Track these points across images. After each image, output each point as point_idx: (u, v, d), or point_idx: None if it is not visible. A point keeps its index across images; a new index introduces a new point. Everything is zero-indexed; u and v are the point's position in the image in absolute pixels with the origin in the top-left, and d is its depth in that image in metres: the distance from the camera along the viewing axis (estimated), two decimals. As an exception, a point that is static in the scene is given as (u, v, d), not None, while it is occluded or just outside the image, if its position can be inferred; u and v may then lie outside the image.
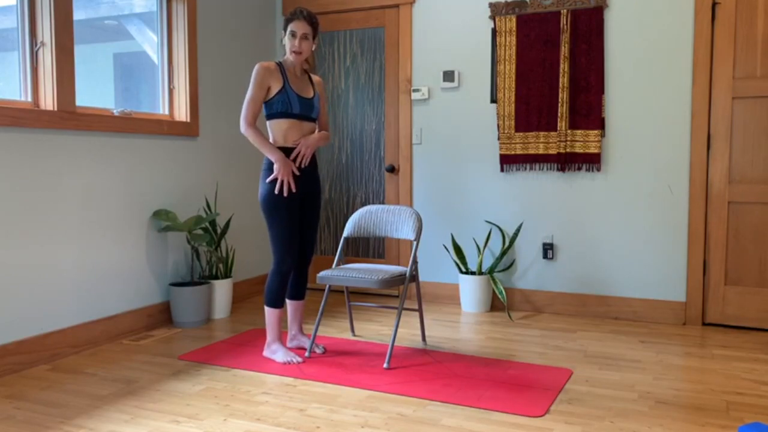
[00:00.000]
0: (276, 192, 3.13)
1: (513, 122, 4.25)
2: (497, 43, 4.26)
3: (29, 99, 3.27)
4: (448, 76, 4.44)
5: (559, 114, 4.10)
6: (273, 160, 3.12)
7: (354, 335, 3.74)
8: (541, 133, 4.19)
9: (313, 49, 3.25)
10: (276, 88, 3.16)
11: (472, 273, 4.34)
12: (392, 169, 4.69)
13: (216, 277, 4.14)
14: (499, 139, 4.30)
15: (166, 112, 4.14)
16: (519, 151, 4.25)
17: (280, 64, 3.21)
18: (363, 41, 4.77)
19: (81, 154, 3.43)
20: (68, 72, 3.33)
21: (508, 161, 4.29)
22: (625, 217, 4.07)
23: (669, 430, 2.41)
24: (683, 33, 3.88)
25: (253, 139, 3.14)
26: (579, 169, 4.14)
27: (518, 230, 4.26)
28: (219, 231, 4.39)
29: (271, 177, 3.13)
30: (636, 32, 3.98)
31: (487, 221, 4.43)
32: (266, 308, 3.25)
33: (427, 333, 3.77)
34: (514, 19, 4.22)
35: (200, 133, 4.28)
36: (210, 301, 4.06)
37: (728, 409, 2.62)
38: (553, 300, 4.27)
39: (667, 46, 3.92)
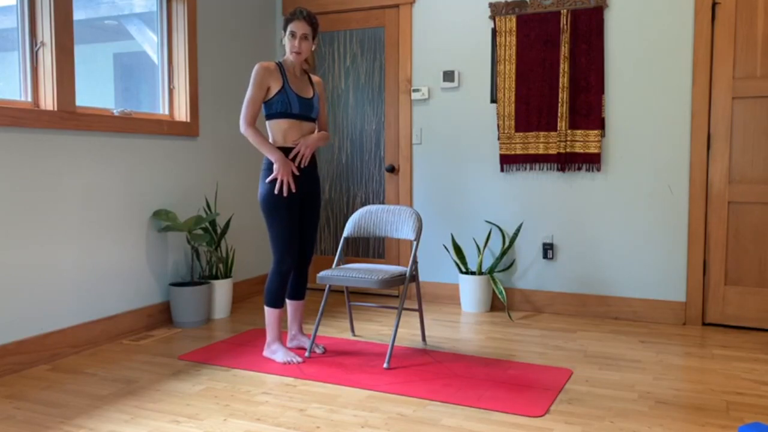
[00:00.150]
0: (276, 192, 3.13)
1: (513, 122, 4.25)
2: (497, 43, 4.26)
3: (29, 99, 3.27)
4: (448, 76, 4.44)
5: (559, 114, 4.10)
6: (273, 160, 3.12)
7: (354, 335, 3.74)
8: (541, 133, 4.19)
9: (312, 49, 3.25)
10: (276, 88, 3.16)
11: (472, 273, 4.34)
12: (392, 169, 4.69)
13: (216, 277, 4.15)
14: (499, 139, 4.30)
15: (166, 112, 4.15)
16: (519, 151, 4.25)
17: (279, 64, 3.21)
18: (363, 41, 4.77)
19: (81, 154, 3.43)
20: (68, 72, 3.33)
21: (508, 161, 4.29)
22: (625, 217, 4.07)
23: (669, 430, 2.41)
24: (683, 33, 3.88)
25: (252, 139, 3.14)
26: (579, 169, 4.14)
27: (518, 230, 4.26)
28: (219, 231, 4.40)
29: (271, 177, 3.13)
30: (636, 32, 3.98)
31: (487, 221, 4.43)
32: (266, 308, 3.25)
33: (427, 333, 3.77)
34: (514, 19, 4.22)
35: (200, 133, 4.29)
36: (210, 301, 4.06)
37: (728, 409, 2.62)
38: (553, 300, 4.27)
39: (667, 46, 3.92)
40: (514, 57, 4.23)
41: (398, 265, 4.70)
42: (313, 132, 3.29)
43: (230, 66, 4.56)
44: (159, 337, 3.71)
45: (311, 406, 2.66)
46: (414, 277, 3.37)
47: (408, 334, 3.76)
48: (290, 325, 3.47)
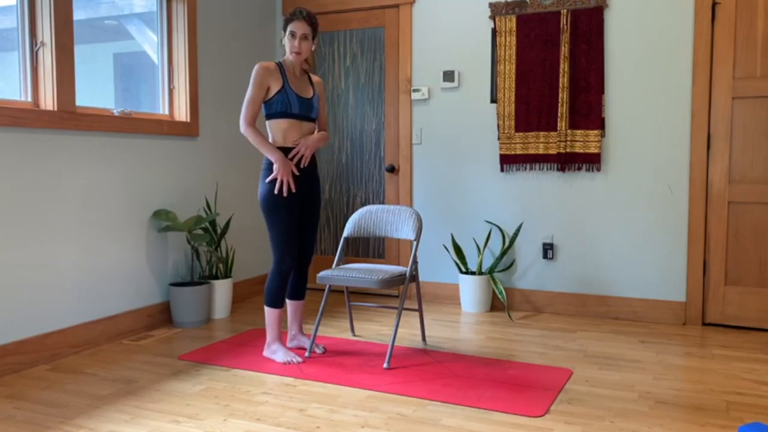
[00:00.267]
0: (276, 192, 3.13)
1: (513, 122, 4.25)
2: (497, 43, 4.26)
3: (29, 99, 3.27)
4: (448, 76, 4.44)
5: (559, 114, 4.10)
6: (272, 160, 3.12)
7: (354, 335, 3.74)
8: (541, 133, 4.19)
9: (312, 49, 3.25)
10: (275, 88, 3.16)
11: (472, 273, 4.34)
12: (392, 169, 4.69)
13: (216, 277, 4.14)
14: (499, 139, 4.30)
15: (166, 112, 4.15)
16: (519, 151, 4.25)
17: (279, 64, 3.21)
18: (363, 41, 4.77)
19: (81, 154, 3.43)
20: (68, 72, 3.33)
21: (508, 161, 4.29)
22: (625, 217, 4.07)
23: (669, 430, 2.41)
24: (683, 33, 3.88)
25: (252, 139, 3.14)
26: (579, 169, 4.14)
27: (518, 230, 4.26)
28: (219, 231, 4.40)
29: (271, 177, 3.13)
30: (636, 32, 3.98)
31: (487, 221, 4.43)
32: (266, 308, 3.25)
33: (427, 333, 3.77)
34: (514, 19, 4.22)
35: (200, 133, 4.29)
36: (210, 301, 4.06)
37: (728, 409, 2.62)
38: (553, 300, 4.27)
39: (667, 46, 3.92)
40: (514, 57, 4.23)
41: (398, 265, 4.70)
42: (313, 132, 3.29)
43: (230, 66, 4.56)
44: (159, 337, 3.71)
45: (311, 406, 2.66)
46: (414, 277, 3.37)
47: (408, 334, 3.76)
48: (290, 325, 3.47)
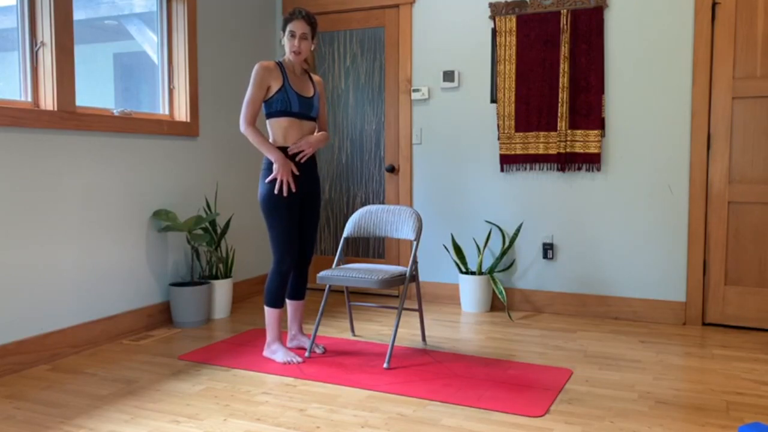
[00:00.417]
0: (276, 191, 3.13)
1: (513, 122, 4.25)
2: (497, 43, 4.26)
3: (29, 99, 3.27)
4: (448, 76, 4.44)
5: (559, 114, 4.10)
6: (272, 159, 3.12)
7: (354, 335, 3.74)
8: (541, 133, 4.19)
9: (312, 48, 3.25)
10: (276, 87, 3.16)
11: (472, 273, 4.34)
12: (392, 169, 4.69)
13: (216, 277, 4.14)
14: (499, 139, 4.30)
15: (166, 112, 4.15)
16: (519, 151, 4.25)
17: (279, 63, 3.21)
18: (363, 41, 4.77)
19: (81, 154, 3.43)
20: (68, 72, 3.33)
21: (508, 161, 4.29)
22: (625, 216, 4.07)
23: (669, 430, 2.41)
24: (683, 33, 3.88)
25: (252, 138, 3.14)
26: (579, 169, 4.14)
27: (518, 230, 4.26)
28: (219, 231, 4.40)
29: (271, 177, 3.13)
30: (636, 32, 3.98)
31: (487, 221, 4.43)
32: (266, 308, 3.25)
33: (427, 333, 3.77)
34: (514, 19, 4.22)
35: (200, 133, 4.29)
36: (210, 301, 4.06)
37: (728, 409, 2.62)
38: (553, 300, 4.27)
39: (667, 46, 3.92)
40: (514, 57, 4.23)
41: (398, 265, 4.70)
42: (313, 131, 3.29)
43: (230, 66, 4.56)
44: (159, 337, 3.71)
45: (311, 406, 2.66)
46: (414, 277, 3.37)
47: (408, 334, 3.76)
48: (290, 325, 3.47)
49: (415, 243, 3.36)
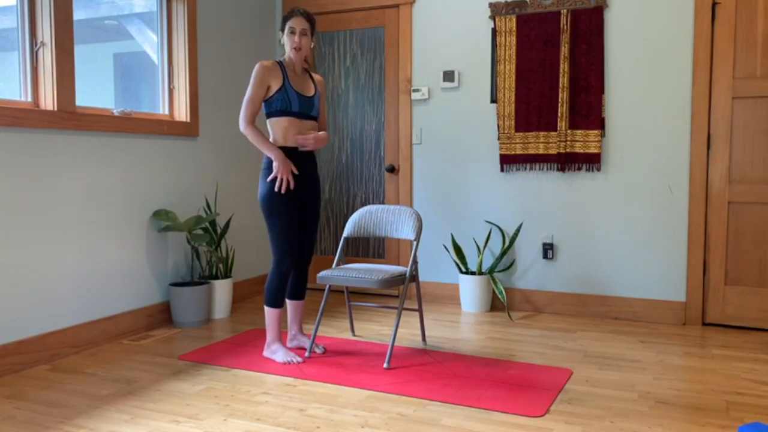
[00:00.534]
0: (275, 189, 3.13)
1: (513, 122, 4.25)
2: (497, 43, 4.26)
3: (29, 99, 3.27)
4: (448, 76, 4.44)
5: (559, 114, 4.10)
6: (272, 158, 3.12)
7: (354, 335, 3.74)
8: (541, 133, 4.19)
9: (311, 46, 3.26)
10: (276, 86, 3.16)
11: (472, 273, 4.34)
12: (392, 169, 4.69)
13: (216, 277, 4.15)
14: (499, 139, 4.30)
15: (166, 112, 4.15)
16: (519, 151, 4.25)
17: (280, 63, 3.21)
18: (363, 41, 4.77)
19: (81, 154, 3.43)
20: (68, 72, 3.33)
21: (508, 161, 4.29)
22: (625, 217, 4.07)
23: (669, 430, 2.41)
24: (683, 33, 3.88)
25: (252, 137, 3.14)
26: (579, 169, 4.14)
27: (518, 230, 4.26)
28: (219, 231, 4.40)
29: (271, 176, 3.13)
30: (636, 32, 3.98)
31: (487, 221, 4.43)
32: (266, 308, 3.25)
33: (427, 333, 3.77)
34: (514, 19, 4.22)
35: (200, 133, 4.29)
36: (210, 301, 4.06)
37: (728, 409, 2.62)
38: (553, 300, 4.27)
39: (667, 46, 3.92)
40: (514, 57, 4.23)
41: (398, 265, 4.70)
42: (313, 130, 3.29)
43: (230, 66, 4.56)
44: (159, 337, 3.71)
45: (311, 406, 2.66)
46: (414, 277, 3.37)
47: (408, 334, 3.76)
48: (290, 325, 3.47)
49: (415, 243, 3.36)
